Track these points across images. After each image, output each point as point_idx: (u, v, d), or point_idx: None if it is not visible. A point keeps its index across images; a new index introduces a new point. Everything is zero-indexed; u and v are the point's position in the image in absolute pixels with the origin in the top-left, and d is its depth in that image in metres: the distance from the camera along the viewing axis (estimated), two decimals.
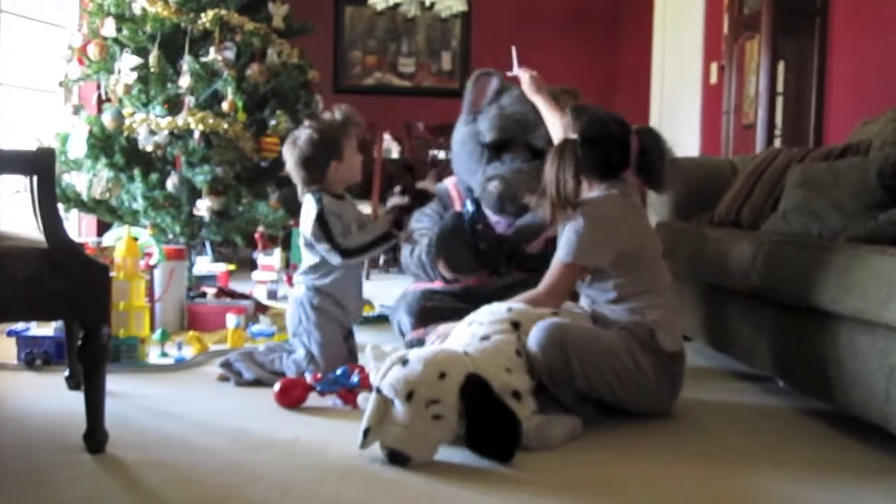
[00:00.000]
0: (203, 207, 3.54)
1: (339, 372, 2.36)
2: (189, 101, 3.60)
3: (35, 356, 2.69)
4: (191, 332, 3.03)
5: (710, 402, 2.51)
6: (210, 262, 3.93)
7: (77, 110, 3.82)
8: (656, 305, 2.26)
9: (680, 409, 2.36)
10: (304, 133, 2.57)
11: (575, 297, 2.48)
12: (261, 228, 3.95)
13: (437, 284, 3.02)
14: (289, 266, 4.35)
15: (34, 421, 2.15)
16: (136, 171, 3.57)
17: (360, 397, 2.28)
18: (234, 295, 3.63)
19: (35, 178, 1.85)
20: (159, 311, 3.25)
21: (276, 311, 3.56)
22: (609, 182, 2.34)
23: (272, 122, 3.77)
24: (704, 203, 3.29)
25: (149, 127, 3.54)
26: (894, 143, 2.67)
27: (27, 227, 2.16)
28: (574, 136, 2.33)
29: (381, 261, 5.54)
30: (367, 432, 1.88)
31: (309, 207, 2.56)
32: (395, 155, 5.95)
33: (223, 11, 3.69)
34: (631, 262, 2.27)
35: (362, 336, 2.96)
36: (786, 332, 2.37)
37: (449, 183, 3.30)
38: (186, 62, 3.60)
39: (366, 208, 4.86)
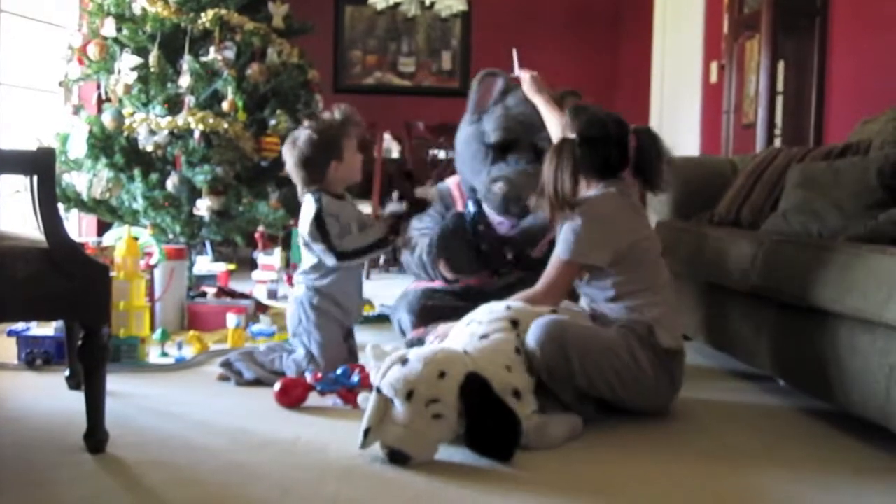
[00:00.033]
0: (203, 207, 3.54)
1: (339, 371, 2.36)
2: (189, 100, 3.60)
3: (35, 356, 2.69)
4: (191, 332, 3.03)
5: (710, 401, 2.51)
6: (210, 262, 3.94)
7: (77, 110, 3.82)
8: (655, 303, 2.27)
9: (680, 409, 2.36)
10: (303, 133, 2.57)
11: (575, 297, 2.49)
12: (261, 228, 3.95)
13: (438, 283, 3.02)
14: (289, 266, 4.35)
15: (34, 421, 2.15)
16: (137, 171, 3.57)
17: (361, 397, 2.28)
18: (234, 294, 3.63)
19: (35, 178, 1.85)
20: (159, 310, 3.25)
21: (276, 310, 3.56)
22: (607, 181, 2.34)
23: (272, 122, 3.77)
24: (704, 202, 3.29)
25: (149, 127, 3.54)
26: (894, 142, 2.67)
27: (27, 226, 2.16)
28: (572, 135, 2.33)
29: (382, 260, 5.54)
30: (367, 432, 1.88)
31: (308, 207, 2.56)
32: (395, 154, 5.94)
33: (223, 11, 3.69)
34: (629, 260, 2.27)
35: (362, 335, 2.96)
36: (786, 331, 2.37)
37: (451, 183, 3.30)
38: (186, 62, 3.60)
39: (366, 208, 4.86)
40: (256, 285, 4.08)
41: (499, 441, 1.90)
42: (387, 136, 5.66)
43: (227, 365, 2.58)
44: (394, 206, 2.64)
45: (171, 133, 3.56)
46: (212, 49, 3.65)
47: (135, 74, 3.59)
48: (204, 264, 3.87)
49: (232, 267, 3.92)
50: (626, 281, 2.27)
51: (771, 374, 2.57)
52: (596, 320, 2.32)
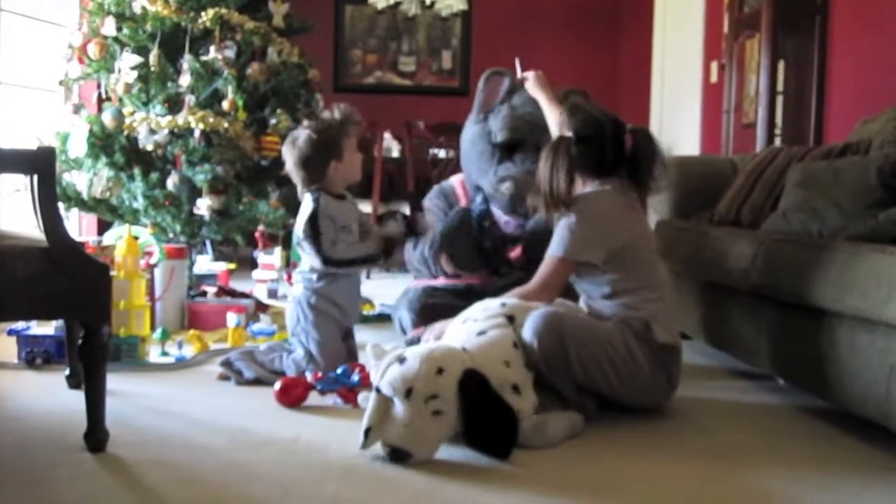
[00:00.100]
0: (203, 206, 3.54)
1: (339, 371, 2.36)
2: (189, 99, 3.60)
3: (35, 355, 2.69)
4: (191, 331, 3.03)
5: (709, 400, 2.51)
6: (210, 261, 3.94)
7: (77, 109, 3.82)
8: (651, 300, 2.27)
9: (680, 407, 2.37)
10: (303, 133, 2.57)
11: (575, 297, 2.49)
12: (261, 227, 3.95)
13: (441, 280, 3.02)
14: (289, 265, 4.35)
15: (34, 420, 2.15)
16: (137, 170, 3.58)
17: (361, 396, 2.29)
18: (234, 294, 3.64)
19: (35, 177, 1.85)
20: (160, 310, 3.26)
21: (276, 309, 3.56)
22: (604, 179, 2.34)
23: (272, 121, 3.77)
24: (705, 202, 3.29)
25: (149, 126, 3.54)
26: (894, 141, 2.67)
27: (27, 226, 2.16)
28: (569, 134, 2.33)
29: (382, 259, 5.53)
30: (367, 432, 1.89)
31: (305, 207, 2.57)
32: (395, 154, 5.94)
33: (223, 10, 3.69)
34: (625, 258, 2.27)
35: (363, 335, 2.96)
36: (786, 330, 2.37)
37: (455, 181, 3.30)
38: (187, 61, 3.60)
39: (366, 207, 4.86)
40: (257, 284, 4.08)
41: (497, 438, 1.90)
42: (387, 136, 5.66)
43: (227, 364, 2.58)
44: (392, 227, 2.65)
45: (172, 132, 3.56)
46: (212, 48, 3.65)
47: (135, 73, 3.59)
48: (204, 263, 3.87)
49: (232, 266, 3.92)
50: (622, 279, 2.27)
51: (771, 373, 2.57)
52: (592, 316, 2.33)
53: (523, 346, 2.12)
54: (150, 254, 3.24)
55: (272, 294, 4.06)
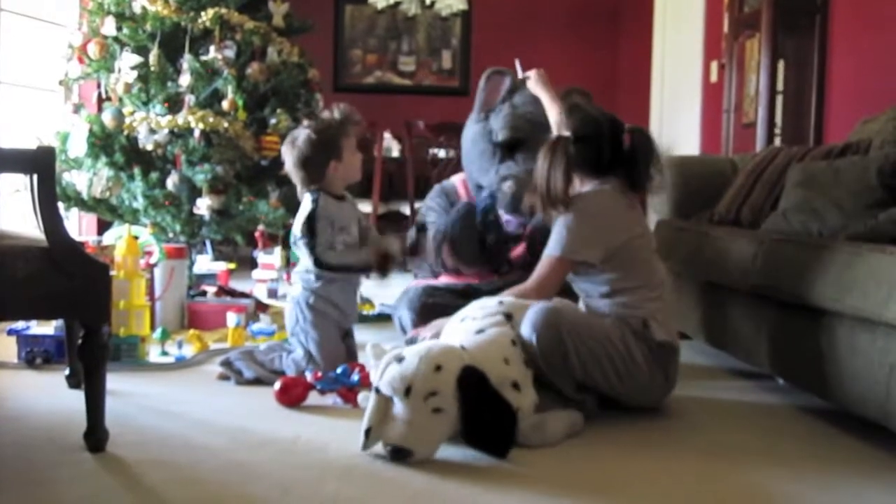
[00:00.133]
0: (203, 206, 3.54)
1: (339, 370, 2.36)
2: (189, 99, 3.61)
3: (35, 355, 2.69)
4: (191, 331, 3.03)
5: (709, 399, 2.51)
6: (210, 261, 3.93)
7: (77, 109, 3.82)
8: (650, 300, 2.27)
9: (679, 407, 2.37)
10: (302, 133, 2.57)
11: (574, 298, 2.48)
12: (261, 227, 3.95)
13: (442, 279, 3.02)
14: (289, 264, 4.34)
15: (34, 420, 2.15)
16: (137, 170, 3.58)
17: (361, 396, 2.29)
18: (234, 293, 3.63)
19: (35, 177, 1.84)
20: (159, 309, 3.25)
21: (276, 309, 3.56)
22: (602, 178, 2.34)
23: (272, 121, 3.77)
24: (705, 202, 3.29)
25: (149, 125, 3.54)
26: (894, 141, 2.67)
27: (27, 225, 2.16)
28: (567, 133, 2.33)
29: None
30: (368, 432, 1.89)
31: (304, 206, 2.57)
32: (395, 154, 5.94)
33: (223, 10, 3.70)
34: (623, 258, 2.27)
35: (363, 334, 2.96)
36: (786, 330, 2.37)
37: (457, 180, 3.30)
38: (187, 61, 3.61)
39: (366, 207, 4.86)
40: (256, 284, 4.08)
41: (495, 436, 1.90)
42: (387, 136, 5.66)
43: (227, 364, 2.58)
44: (393, 243, 2.65)
45: (172, 132, 3.56)
46: (212, 48, 3.65)
47: (135, 73, 3.59)
48: (204, 263, 3.87)
49: (232, 266, 3.92)
50: (619, 278, 2.27)
51: (770, 372, 2.57)
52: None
53: (522, 344, 2.12)
54: (149, 253, 3.24)
55: (272, 294, 4.05)
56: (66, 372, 2.46)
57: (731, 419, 2.33)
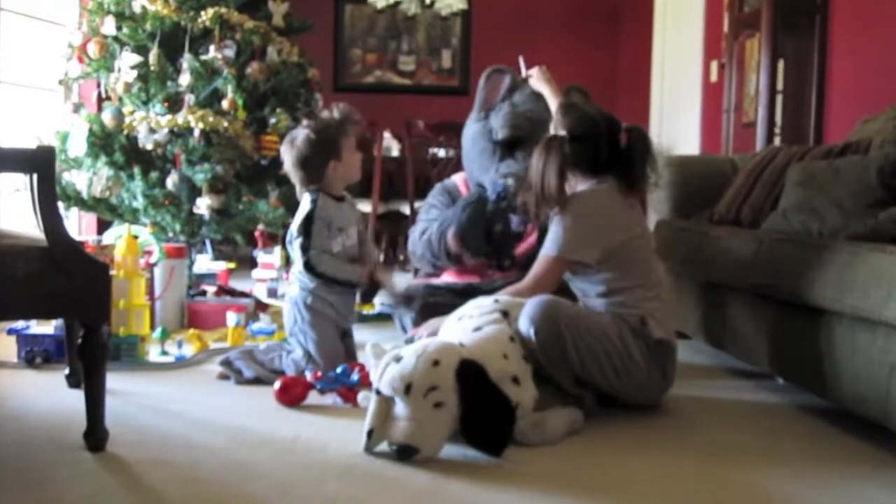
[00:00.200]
0: (203, 205, 3.54)
1: (339, 370, 2.36)
2: (189, 99, 3.60)
3: (35, 354, 2.69)
4: (191, 331, 3.03)
5: (709, 399, 2.51)
6: (210, 261, 3.93)
7: (77, 108, 3.82)
8: (648, 299, 2.27)
9: (679, 406, 2.37)
10: (301, 133, 2.57)
11: (573, 298, 2.48)
12: (261, 226, 3.94)
13: (444, 277, 3.02)
14: (289, 264, 4.34)
15: (34, 419, 2.15)
16: (137, 170, 3.58)
17: (361, 395, 2.29)
18: (234, 293, 3.63)
19: (35, 177, 1.84)
20: (159, 309, 3.26)
21: (276, 309, 3.56)
22: (600, 177, 2.34)
23: (272, 121, 3.77)
24: (705, 201, 3.29)
25: (149, 125, 3.54)
26: (894, 141, 2.67)
27: (27, 225, 2.16)
28: (562, 132, 2.33)
29: (381, 258, 5.54)
30: (370, 433, 1.89)
31: (303, 207, 2.56)
32: (395, 153, 5.94)
33: (223, 9, 3.69)
34: (620, 258, 2.27)
35: (363, 334, 2.96)
36: (785, 329, 2.37)
37: (458, 179, 3.29)
38: (186, 60, 3.60)
39: (366, 206, 4.86)
40: (256, 284, 4.08)
41: (493, 431, 1.90)
42: (387, 135, 5.66)
43: (226, 363, 2.58)
44: (385, 277, 2.67)
45: (171, 131, 3.56)
46: (212, 47, 3.65)
47: (135, 73, 3.59)
48: (204, 263, 3.87)
49: (232, 265, 3.92)
50: (616, 278, 2.27)
51: (770, 372, 2.57)
52: None
53: (520, 340, 2.12)
54: (149, 253, 3.24)
55: (272, 293, 4.05)
56: (66, 371, 2.46)
57: (731, 418, 2.33)
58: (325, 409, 2.29)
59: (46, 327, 2.77)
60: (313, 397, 2.32)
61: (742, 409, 2.43)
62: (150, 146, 3.55)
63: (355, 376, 2.34)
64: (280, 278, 4.12)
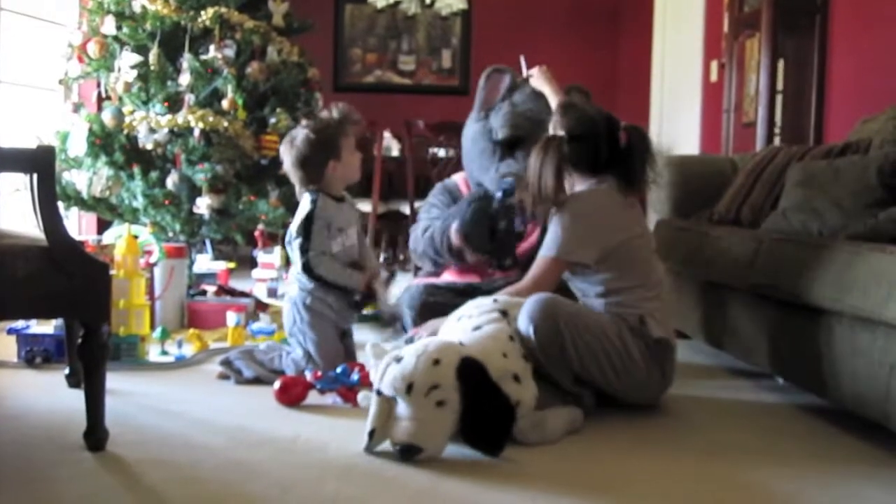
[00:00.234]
0: (203, 205, 3.54)
1: (339, 370, 2.36)
2: (189, 99, 3.60)
3: (35, 354, 2.69)
4: (191, 330, 3.03)
5: (709, 398, 2.51)
6: (210, 260, 3.93)
7: (77, 108, 3.82)
8: (647, 299, 2.27)
9: (679, 406, 2.37)
10: (301, 133, 2.57)
11: (573, 298, 2.48)
12: (261, 226, 3.95)
13: (445, 276, 3.02)
14: (289, 264, 4.34)
15: (34, 419, 2.15)
16: (136, 169, 3.58)
17: (361, 395, 2.29)
18: (234, 293, 3.63)
19: (35, 176, 1.84)
20: (159, 309, 3.26)
21: (276, 309, 3.56)
22: (599, 177, 2.34)
23: (272, 120, 3.77)
24: (705, 201, 3.29)
25: (149, 125, 3.54)
26: (894, 141, 2.67)
27: (27, 225, 2.16)
28: (561, 132, 2.33)
29: (381, 258, 5.54)
30: (372, 433, 1.89)
31: (303, 207, 2.56)
32: (395, 153, 5.94)
33: (223, 9, 3.70)
34: (619, 258, 2.27)
35: (363, 334, 2.96)
36: (785, 329, 2.37)
37: (459, 178, 3.29)
38: (186, 60, 3.60)
39: (366, 206, 4.86)
40: (256, 283, 4.08)
41: (491, 430, 1.90)
42: (387, 135, 5.66)
43: (226, 363, 2.58)
44: (382, 289, 2.66)
45: (171, 131, 3.56)
46: (212, 47, 3.65)
47: (135, 72, 3.59)
48: (204, 262, 3.87)
49: (232, 265, 3.92)
50: (615, 278, 2.27)
51: (770, 372, 2.57)
52: None
53: (520, 338, 2.12)
54: (149, 253, 3.24)
55: (272, 293, 4.05)
56: (66, 371, 2.46)
57: (731, 418, 2.33)
58: (325, 409, 2.29)
59: (46, 327, 2.77)
60: (313, 397, 2.32)
61: (742, 409, 2.43)
62: (150, 146, 3.55)
63: (355, 376, 2.34)
64: (280, 278, 4.12)
